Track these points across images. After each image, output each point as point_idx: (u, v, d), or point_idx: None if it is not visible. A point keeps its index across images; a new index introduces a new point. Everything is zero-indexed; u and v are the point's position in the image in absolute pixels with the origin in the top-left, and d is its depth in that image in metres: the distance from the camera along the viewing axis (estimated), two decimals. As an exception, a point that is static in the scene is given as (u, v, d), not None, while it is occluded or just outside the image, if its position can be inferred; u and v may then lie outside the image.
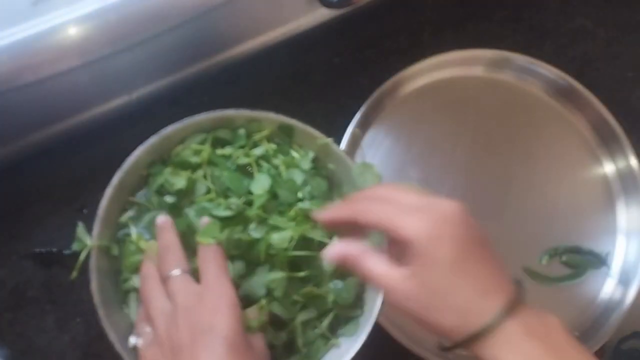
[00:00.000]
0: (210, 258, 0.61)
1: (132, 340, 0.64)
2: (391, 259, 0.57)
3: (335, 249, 0.60)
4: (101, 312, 0.67)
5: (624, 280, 0.90)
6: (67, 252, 0.85)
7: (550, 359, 0.53)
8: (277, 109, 0.74)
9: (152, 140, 0.72)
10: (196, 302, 0.58)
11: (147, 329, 0.62)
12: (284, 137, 0.76)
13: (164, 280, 0.62)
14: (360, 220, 0.58)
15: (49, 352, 0.83)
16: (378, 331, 0.68)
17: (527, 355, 0.53)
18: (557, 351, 0.54)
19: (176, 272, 0.61)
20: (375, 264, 0.57)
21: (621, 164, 0.95)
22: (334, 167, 0.75)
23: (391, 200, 0.58)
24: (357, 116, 0.91)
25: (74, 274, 0.68)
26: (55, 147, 0.83)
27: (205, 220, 0.66)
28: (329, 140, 0.74)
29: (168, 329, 0.59)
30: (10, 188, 0.86)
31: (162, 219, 0.67)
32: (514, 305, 0.54)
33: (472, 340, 0.54)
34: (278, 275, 0.67)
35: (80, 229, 0.70)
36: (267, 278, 0.67)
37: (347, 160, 0.73)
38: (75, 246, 0.69)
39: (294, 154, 0.76)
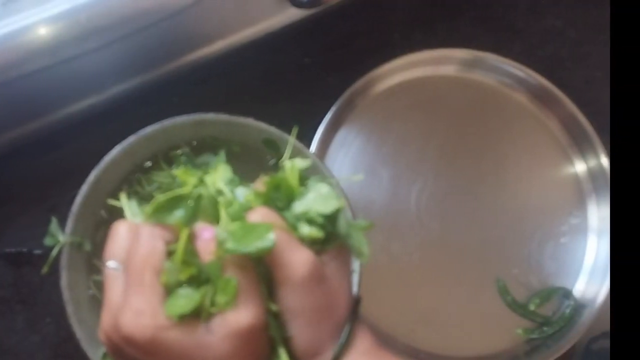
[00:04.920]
0: None
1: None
2: None
3: None
4: (70, 309, 0.67)
5: (595, 280, 0.90)
6: (37, 252, 0.85)
7: None
8: (248, 110, 0.74)
9: (131, 139, 0.72)
10: None
11: None
12: (270, 150, 0.76)
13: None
14: None
15: (19, 352, 0.83)
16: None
17: None
18: None
19: None
20: None
21: (592, 162, 0.96)
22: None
23: None
24: (328, 116, 0.92)
25: (45, 269, 0.68)
26: (25, 147, 0.83)
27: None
28: (317, 159, 0.73)
29: None
30: (-20, 188, 0.87)
31: None
32: None
33: None
34: None
35: (54, 224, 0.70)
36: None
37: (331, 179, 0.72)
38: (47, 241, 0.69)
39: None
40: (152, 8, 0.76)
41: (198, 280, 0.49)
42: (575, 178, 0.97)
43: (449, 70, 0.99)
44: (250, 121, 0.74)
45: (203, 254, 0.50)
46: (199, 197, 0.55)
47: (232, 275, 0.48)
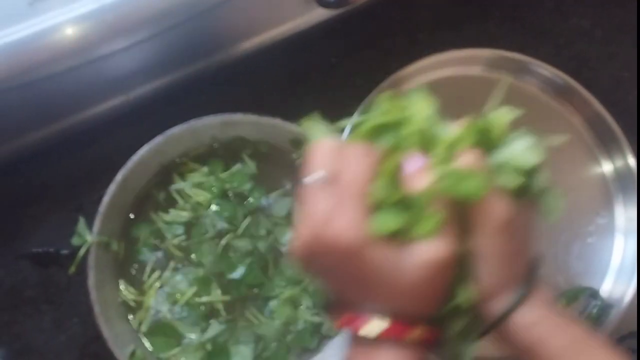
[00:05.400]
0: None
1: None
2: None
3: None
4: (97, 309, 0.68)
5: (622, 280, 0.90)
6: (64, 252, 0.85)
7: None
8: (275, 110, 0.74)
9: (158, 140, 0.72)
10: None
11: None
12: (297, 150, 0.75)
13: None
14: None
15: (46, 352, 0.83)
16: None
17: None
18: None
19: None
20: None
21: (619, 163, 0.95)
22: None
23: None
24: (356, 116, 0.91)
25: (72, 268, 0.68)
26: (52, 148, 0.83)
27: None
28: None
29: None
30: (8, 188, 0.87)
31: None
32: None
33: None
34: None
35: (81, 224, 0.70)
36: None
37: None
38: (74, 241, 0.70)
39: None
40: (180, 7, 0.76)
41: (401, 206, 0.49)
42: (602, 178, 0.96)
43: (475, 70, 0.98)
44: (277, 121, 0.74)
45: (410, 183, 0.50)
46: (404, 125, 0.54)
47: (439, 209, 0.49)
